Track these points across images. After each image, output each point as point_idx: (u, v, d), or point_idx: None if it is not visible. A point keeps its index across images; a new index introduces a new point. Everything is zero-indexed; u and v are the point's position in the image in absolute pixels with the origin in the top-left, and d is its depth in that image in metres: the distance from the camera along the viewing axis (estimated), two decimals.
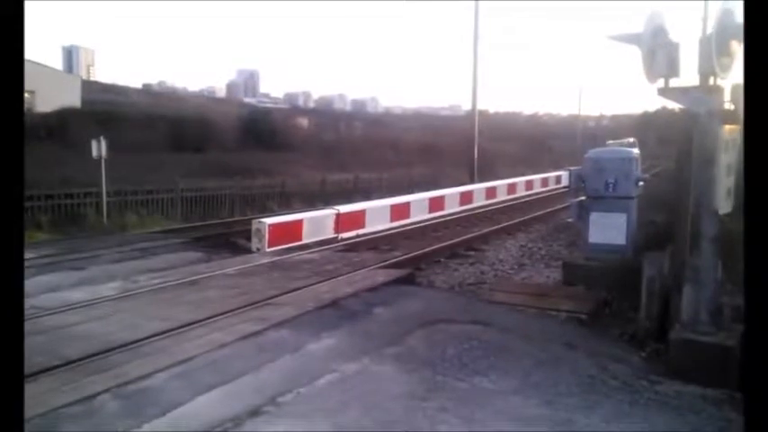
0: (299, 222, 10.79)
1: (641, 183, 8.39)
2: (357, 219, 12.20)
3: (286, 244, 10.02)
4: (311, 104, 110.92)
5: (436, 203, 15.47)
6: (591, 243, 8.27)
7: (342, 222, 11.63)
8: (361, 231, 11.97)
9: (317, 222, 11.20)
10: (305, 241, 10.53)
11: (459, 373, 4.59)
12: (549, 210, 17.26)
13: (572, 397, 4.30)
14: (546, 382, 4.55)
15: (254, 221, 10.16)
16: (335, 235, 11.40)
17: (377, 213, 12.90)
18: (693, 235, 5.53)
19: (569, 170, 9.07)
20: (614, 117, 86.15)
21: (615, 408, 4.16)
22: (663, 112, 53.76)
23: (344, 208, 12.18)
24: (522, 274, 9.43)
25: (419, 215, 14.30)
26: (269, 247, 9.65)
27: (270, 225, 9.88)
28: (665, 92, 5.77)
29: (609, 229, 8.16)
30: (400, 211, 13.70)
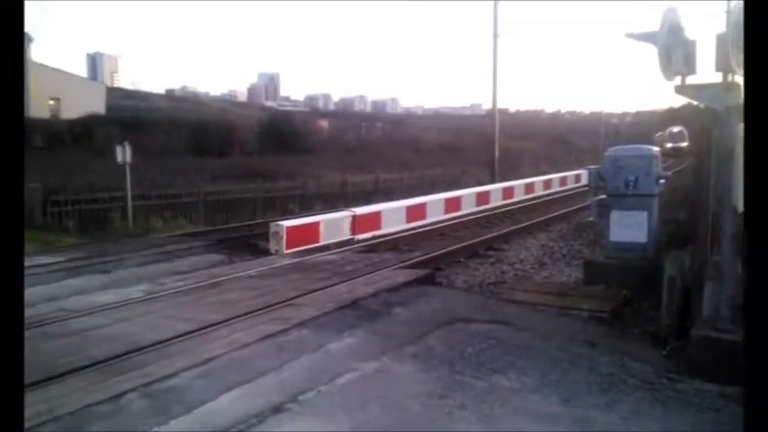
0: (316, 224, 10.91)
1: (662, 180, 8.33)
2: (373, 220, 12.27)
3: (303, 246, 10.14)
4: (331, 106, 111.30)
5: (452, 204, 15.46)
6: (612, 241, 8.23)
7: (358, 224, 11.72)
8: (377, 233, 12.03)
9: (334, 224, 11.31)
10: (322, 243, 10.64)
11: (477, 371, 4.63)
12: (566, 209, 17.04)
13: (591, 395, 4.32)
14: (564, 380, 4.57)
15: (271, 224, 10.31)
16: (352, 236, 11.48)
17: (392, 215, 12.95)
18: (714, 232, 5.50)
19: (589, 168, 9.01)
20: (638, 113, 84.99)
21: (634, 406, 4.17)
22: (688, 107, 52.75)
23: (360, 210, 12.28)
24: (543, 273, 9.42)
25: (435, 216, 14.30)
26: (287, 249, 9.78)
27: (287, 227, 10.01)
28: (681, 89, 5.75)
29: (630, 228, 8.11)
30: (416, 213, 13.72)
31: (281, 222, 10.21)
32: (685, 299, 6.00)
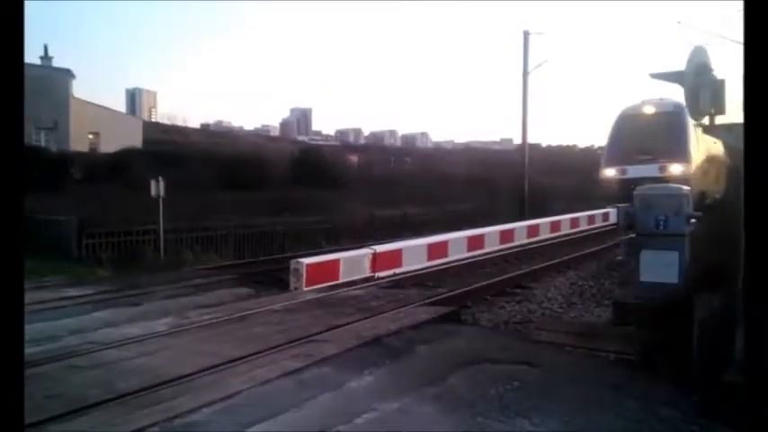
0: (336, 262, 10.92)
1: (693, 219, 8.18)
2: (394, 258, 12.24)
3: (323, 283, 10.16)
4: (362, 141, 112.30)
5: (475, 242, 15.30)
6: (641, 282, 8.07)
7: (378, 261, 11.70)
8: (398, 270, 11.97)
9: (354, 262, 11.30)
10: (341, 281, 10.62)
11: (500, 414, 4.55)
12: (593, 249, 16.58)
13: None
14: (590, 424, 4.46)
15: (291, 261, 10.36)
16: (372, 274, 11.45)
17: (414, 252, 12.88)
18: None
19: (617, 207, 8.89)
20: None
21: None
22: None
23: (381, 247, 12.28)
24: (572, 313, 9.26)
25: (457, 254, 14.16)
26: (306, 286, 9.80)
27: (307, 265, 10.06)
28: (710, 129, 5.70)
29: (660, 268, 7.95)
30: (438, 250, 13.63)
31: (301, 260, 10.26)
32: (717, 342, 5.82)
